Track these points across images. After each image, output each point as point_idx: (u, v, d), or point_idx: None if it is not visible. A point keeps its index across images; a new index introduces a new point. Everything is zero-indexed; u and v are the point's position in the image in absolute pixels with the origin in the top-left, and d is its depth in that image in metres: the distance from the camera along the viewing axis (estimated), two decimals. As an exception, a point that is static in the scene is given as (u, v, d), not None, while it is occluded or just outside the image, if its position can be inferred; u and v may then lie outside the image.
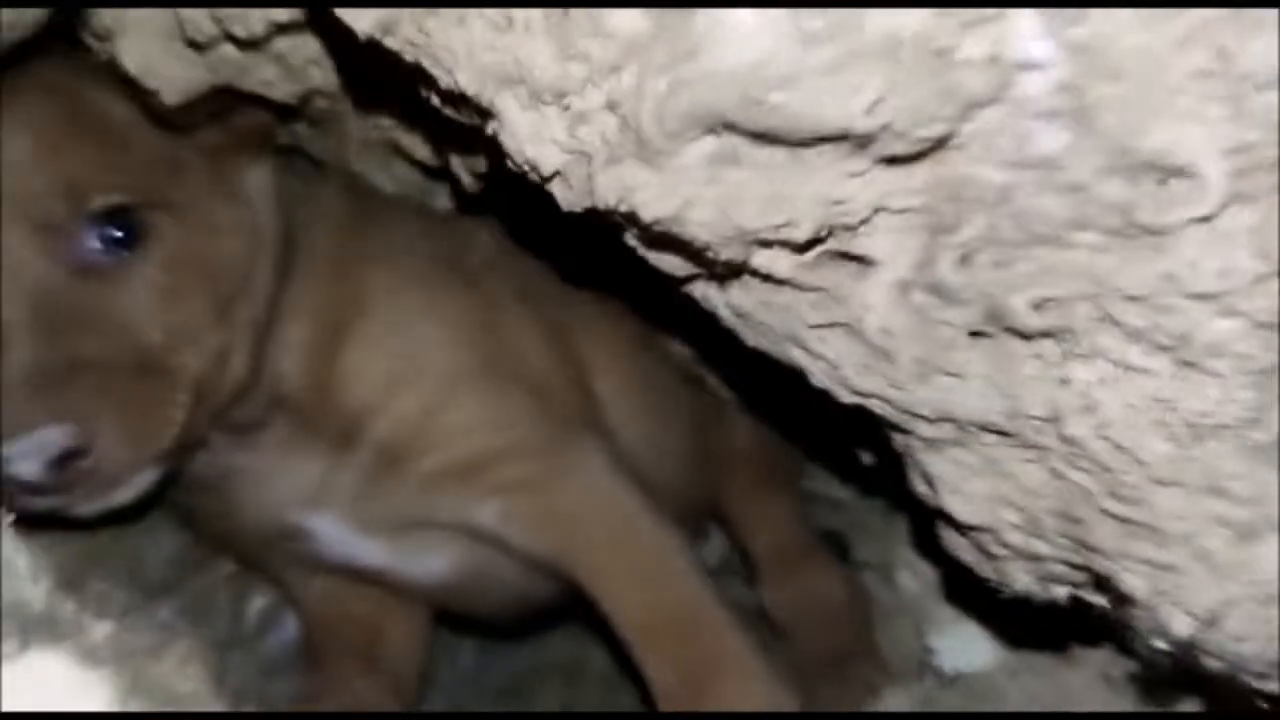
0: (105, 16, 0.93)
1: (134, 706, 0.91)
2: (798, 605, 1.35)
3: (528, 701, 1.54)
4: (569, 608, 1.36)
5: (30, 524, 0.99)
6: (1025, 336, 0.70)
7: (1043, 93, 0.65)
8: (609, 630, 1.11)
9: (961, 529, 0.78)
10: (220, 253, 1.05)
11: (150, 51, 0.95)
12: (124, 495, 0.99)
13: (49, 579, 0.93)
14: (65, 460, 0.93)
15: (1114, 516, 0.70)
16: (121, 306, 0.99)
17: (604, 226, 0.81)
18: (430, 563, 1.19)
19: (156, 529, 1.30)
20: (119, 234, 0.99)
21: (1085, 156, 0.64)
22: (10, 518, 0.91)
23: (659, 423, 1.30)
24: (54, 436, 0.91)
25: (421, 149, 1.11)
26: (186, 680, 0.94)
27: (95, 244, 0.98)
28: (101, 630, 0.94)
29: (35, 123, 0.98)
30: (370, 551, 1.17)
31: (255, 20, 0.88)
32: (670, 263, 0.78)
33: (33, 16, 0.89)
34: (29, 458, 0.91)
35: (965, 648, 1.19)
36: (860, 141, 0.65)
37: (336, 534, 1.16)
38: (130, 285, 0.99)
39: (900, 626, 1.33)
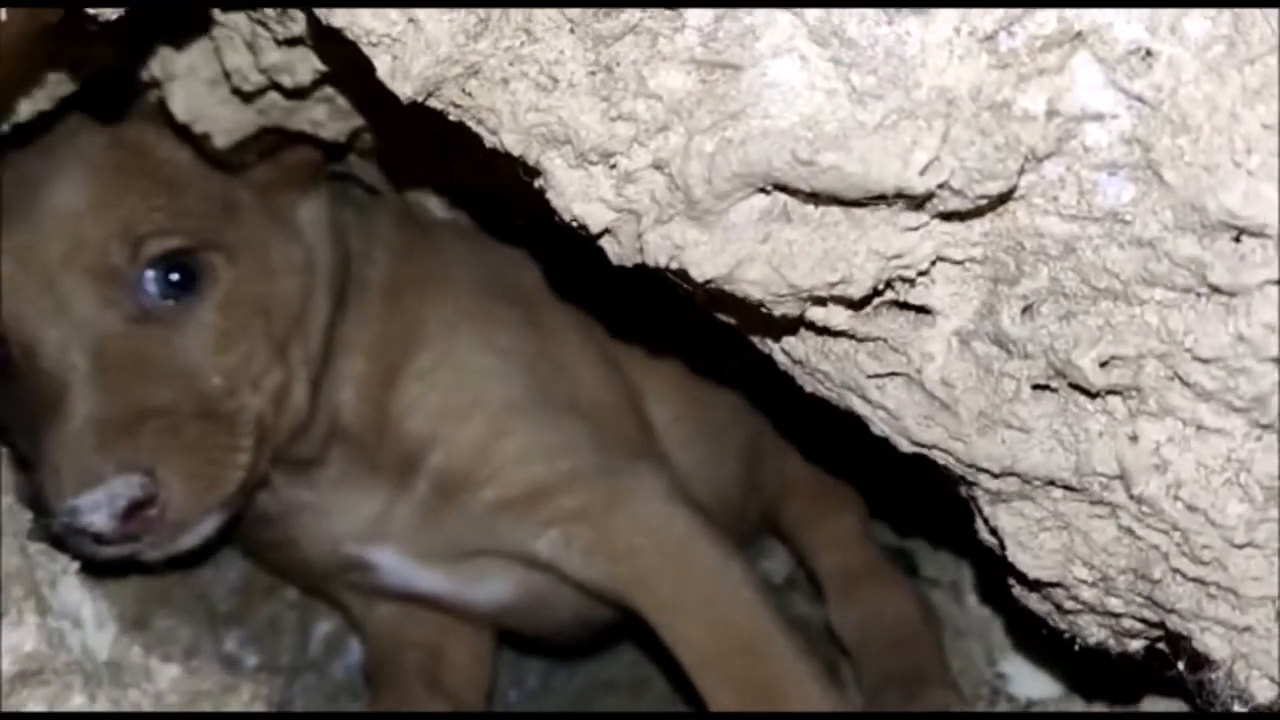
0: (154, 66, 0.93)
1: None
2: (866, 625, 1.32)
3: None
4: (630, 627, 1.36)
5: (97, 569, 1.01)
6: (1091, 393, 0.67)
7: (1106, 144, 0.62)
8: (667, 657, 1.10)
9: (1032, 584, 0.76)
10: (276, 291, 1.05)
11: (198, 97, 0.95)
12: (191, 540, 1.01)
13: (115, 625, 0.95)
14: (133, 510, 0.94)
15: (1189, 577, 0.67)
16: (181, 351, 0.99)
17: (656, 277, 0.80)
18: (490, 589, 1.19)
19: (222, 560, 1.32)
20: (176, 278, 0.99)
21: (1154, 211, 0.61)
22: (75, 566, 0.92)
23: (714, 447, 1.29)
24: (122, 488, 0.93)
25: (474, 188, 1.10)
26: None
27: (153, 289, 0.99)
28: (168, 675, 0.96)
29: (93, 168, 1.00)
30: (430, 580, 1.18)
31: (302, 71, 0.88)
32: (724, 317, 0.77)
33: (85, 73, 0.90)
34: (99, 509, 0.93)
35: (1037, 674, 1.17)
36: (917, 201, 0.63)
37: (397, 565, 1.16)
38: (189, 330, 1.00)
39: (971, 648, 1.30)
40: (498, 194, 1.14)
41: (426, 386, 1.11)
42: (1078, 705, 1.08)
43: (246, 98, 0.93)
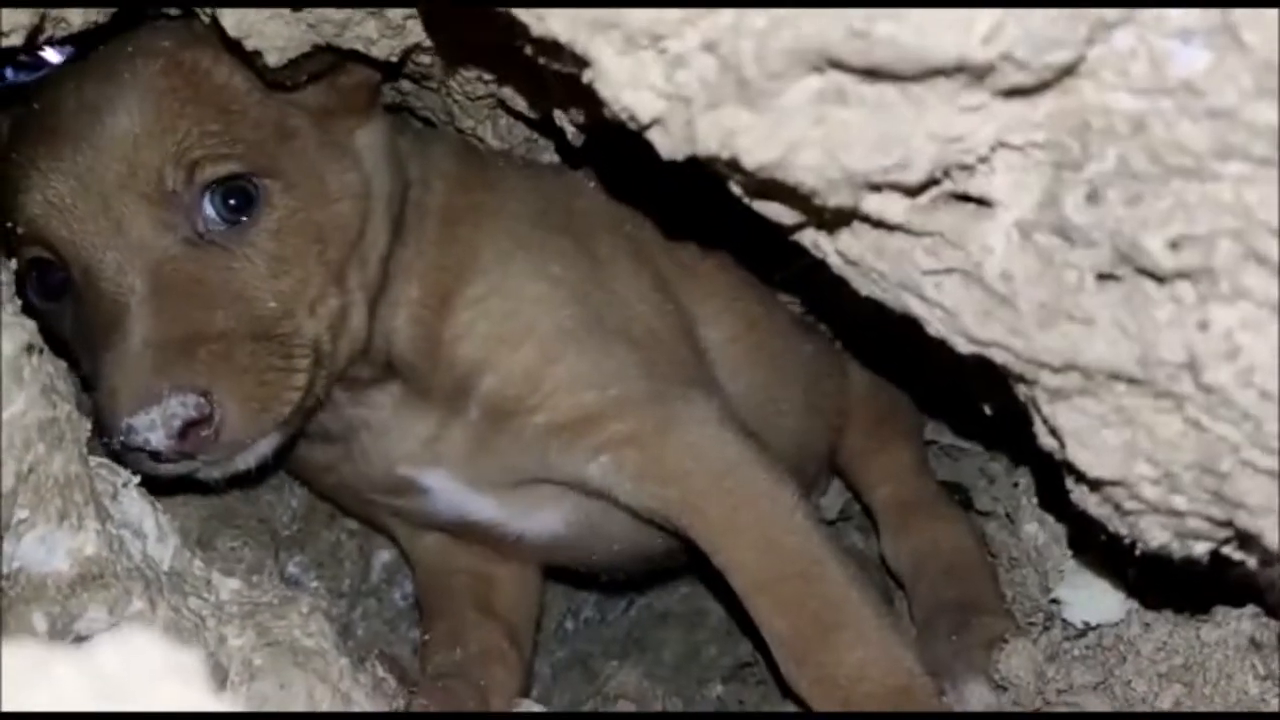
0: (205, -22, 0.93)
1: (261, 659, 0.93)
2: (919, 557, 1.31)
3: (649, 650, 1.54)
4: (685, 558, 1.36)
5: (159, 487, 1.02)
6: (1160, 278, 0.65)
7: (1179, 8, 0.59)
8: (721, 584, 1.10)
9: (1092, 484, 0.74)
10: (332, 217, 1.05)
11: (249, 12, 0.95)
12: (247, 460, 1.02)
13: (176, 539, 0.96)
14: (189, 429, 0.95)
15: (1260, 469, 0.65)
16: (237, 276, 1.00)
17: (708, 176, 0.78)
18: (542, 518, 1.19)
19: (284, 486, 1.33)
20: (232, 203, 1.00)
21: (1230, 78, 0.58)
22: (136, 479, 0.94)
23: (771, 372, 1.27)
24: (177, 408, 0.94)
25: (524, 102, 1.09)
26: (310, 636, 0.96)
27: (210, 214, 1.00)
28: (229, 587, 0.97)
29: (150, 93, 1.00)
30: (482, 507, 1.18)
31: (351, -24, 0.87)
32: (776, 210, 0.75)
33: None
34: (155, 428, 0.94)
35: (1095, 599, 1.15)
36: (977, 73, 0.61)
37: (449, 489, 1.17)
38: (245, 254, 1.01)
39: (1025, 577, 1.28)
40: (549, 118, 1.13)
41: (479, 313, 1.11)
42: (1135, 628, 1.06)
43: (297, 6, 0.92)
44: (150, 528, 0.94)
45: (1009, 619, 1.20)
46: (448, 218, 1.14)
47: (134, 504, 0.93)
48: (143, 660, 0.37)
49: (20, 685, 0.36)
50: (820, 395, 1.36)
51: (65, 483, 0.81)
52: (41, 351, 0.82)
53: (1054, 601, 1.15)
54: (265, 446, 1.03)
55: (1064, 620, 1.14)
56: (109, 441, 0.97)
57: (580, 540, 1.22)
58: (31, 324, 0.81)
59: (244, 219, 1.01)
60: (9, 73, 1.21)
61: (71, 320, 1.03)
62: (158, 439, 0.95)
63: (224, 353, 0.97)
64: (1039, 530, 1.22)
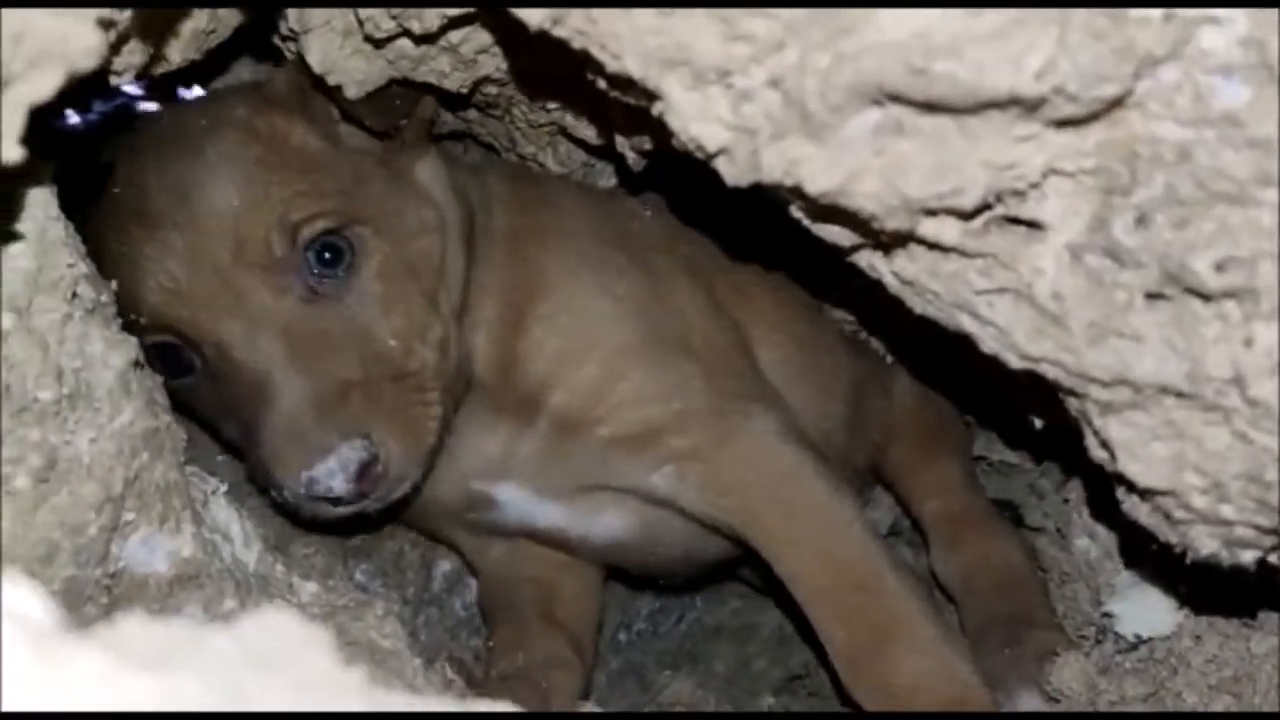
0: (291, 19, 0.98)
1: (345, 659, 0.98)
2: (969, 571, 1.32)
3: (701, 662, 1.57)
4: (740, 564, 1.39)
5: (240, 494, 1.08)
6: (1206, 297, 0.68)
7: (1223, 46, 0.63)
8: (780, 591, 1.13)
9: (1142, 493, 0.77)
10: (418, 250, 1.11)
11: (332, 49, 1.00)
12: (404, 490, 1.08)
13: (260, 544, 1.01)
14: (363, 471, 1.01)
15: (1305, 480, 0.68)
16: (357, 322, 1.06)
17: (766, 200, 0.82)
18: (606, 522, 1.23)
19: (349, 498, 1.38)
20: (328, 256, 1.05)
21: (1268, 111, 0.62)
22: (224, 487, 0.99)
23: (818, 390, 1.30)
24: (350, 453, 1.01)
25: (586, 130, 1.14)
26: (385, 637, 1.00)
27: (315, 270, 1.05)
28: (308, 590, 1.02)
29: (239, 165, 1.04)
30: (549, 514, 1.22)
31: (430, 16, 0.92)
32: (835, 234, 0.79)
33: (233, 19, 0.95)
34: (335, 476, 1.01)
35: (1146, 612, 1.16)
36: (1030, 105, 0.65)
37: (519, 500, 1.21)
38: (356, 301, 1.06)
39: (1077, 592, 1.29)
40: (609, 145, 1.18)
41: (548, 330, 1.15)
42: (1186, 641, 1.08)
43: (378, 44, 0.97)
44: (237, 532, 0.99)
45: (1060, 632, 1.22)
46: (514, 238, 1.19)
47: (222, 510, 0.99)
48: (284, 634, 0.41)
49: (177, 659, 0.40)
50: (866, 412, 1.39)
51: (166, 489, 0.87)
52: (143, 366, 0.87)
53: (1106, 615, 1.17)
54: (419, 474, 1.08)
55: (1116, 634, 1.16)
56: (281, 495, 1.05)
57: (641, 544, 1.26)
58: (134, 339, 0.86)
59: (346, 269, 1.05)
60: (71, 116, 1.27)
61: (208, 393, 1.08)
62: (339, 485, 1.01)
63: (372, 396, 1.03)
64: (1090, 545, 1.24)
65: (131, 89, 1.23)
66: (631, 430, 1.14)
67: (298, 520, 1.18)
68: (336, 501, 1.03)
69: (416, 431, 1.05)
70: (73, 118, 1.31)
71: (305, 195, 1.05)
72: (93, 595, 0.82)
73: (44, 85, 0.56)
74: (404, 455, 1.04)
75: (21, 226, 0.75)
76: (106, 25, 0.60)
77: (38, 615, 0.40)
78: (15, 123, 0.55)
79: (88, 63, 0.57)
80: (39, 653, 0.37)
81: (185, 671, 0.40)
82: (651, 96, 0.74)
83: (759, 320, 1.28)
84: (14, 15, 0.52)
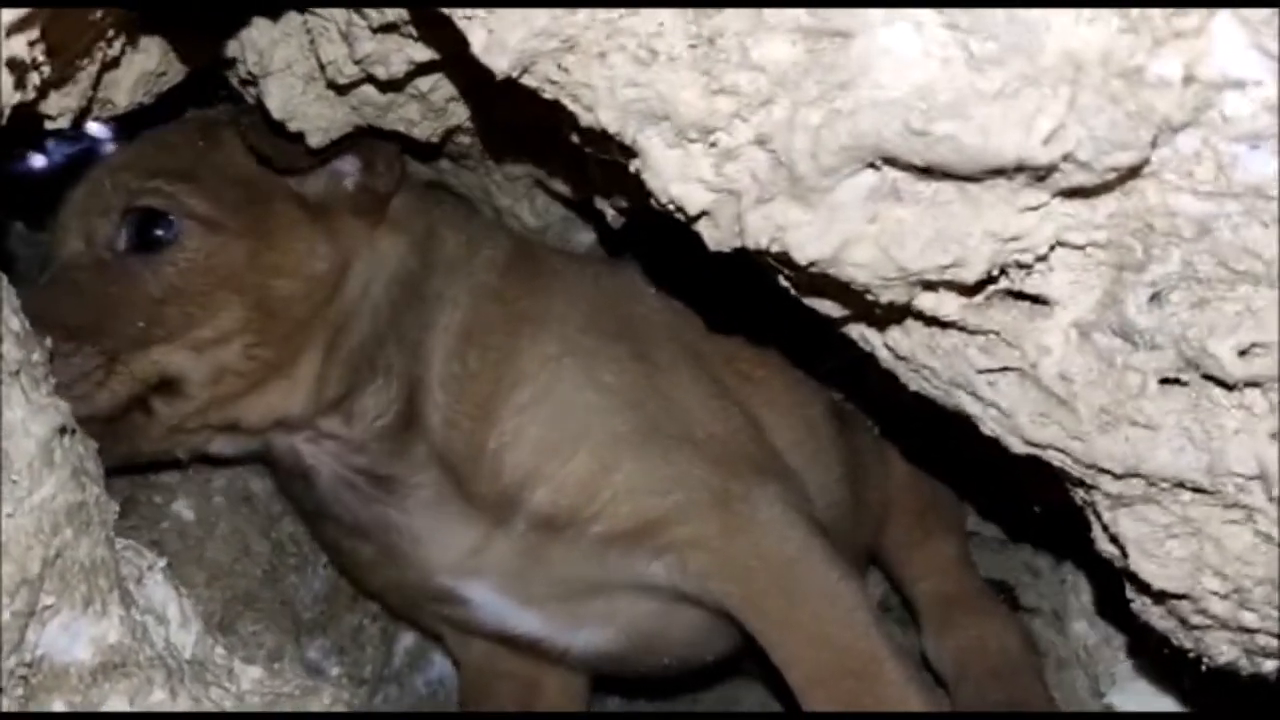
0: (250, 62, 0.93)
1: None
2: (963, 655, 1.27)
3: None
4: (731, 666, 1.33)
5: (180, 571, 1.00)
6: (1228, 385, 0.62)
7: (1249, 113, 0.58)
8: (775, 679, 1.07)
9: (1156, 596, 0.71)
10: (267, 286, 1.08)
11: (293, 95, 0.95)
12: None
13: (199, 624, 0.94)
14: None
15: (1338, 588, 0.62)
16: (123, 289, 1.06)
17: (752, 266, 0.77)
18: (588, 634, 1.17)
19: (307, 567, 1.31)
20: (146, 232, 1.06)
21: (1301, 184, 0.56)
22: (162, 563, 0.92)
23: (826, 472, 1.25)
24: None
25: (564, 184, 1.08)
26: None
27: (123, 233, 1.07)
28: (250, 676, 0.94)
29: (153, 138, 1.08)
30: (526, 621, 1.16)
31: (396, 61, 0.86)
32: (826, 305, 0.73)
33: (182, 66, 0.90)
34: None
35: (1147, 703, 1.11)
36: (1038, 173, 0.59)
37: (492, 601, 1.15)
38: (149, 277, 1.06)
39: (1074, 679, 1.24)
40: (589, 200, 1.12)
41: (525, 421, 1.09)
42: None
43: (341, 90, 0.92)
44: (174, 613, 0.92)
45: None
46: (471, 332, 1.12)
47: (159, 588, 0.91)
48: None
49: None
50: (866, 490, 1.33)
51: (91, 568, 0.79)
52: (74, 433, 0.81)
53: (1106, 706, 1.11)
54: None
55: (1115, 727, 1.10)
56: None
57: (629, 653, 1.20)
58: (65, 406, 0.80)
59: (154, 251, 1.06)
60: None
61: None
62: None
63: (73, 337, 1.01)
64: (1088, 630, 1.19)
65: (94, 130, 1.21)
66: (628, 525, 1.08)
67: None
68: None
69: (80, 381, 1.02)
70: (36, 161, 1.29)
71: (163, 176, 1.06)
72: (5, 687, 0.75)
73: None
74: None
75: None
76: (15, 66, 0.54)
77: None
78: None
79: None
80: None
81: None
82: (629, 153, 0.69)
83: (768, 405, 1.22)
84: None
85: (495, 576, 1.12)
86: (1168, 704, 1.06)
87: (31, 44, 0.54)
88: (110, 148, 1.22)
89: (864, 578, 1.38)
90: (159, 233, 1.06)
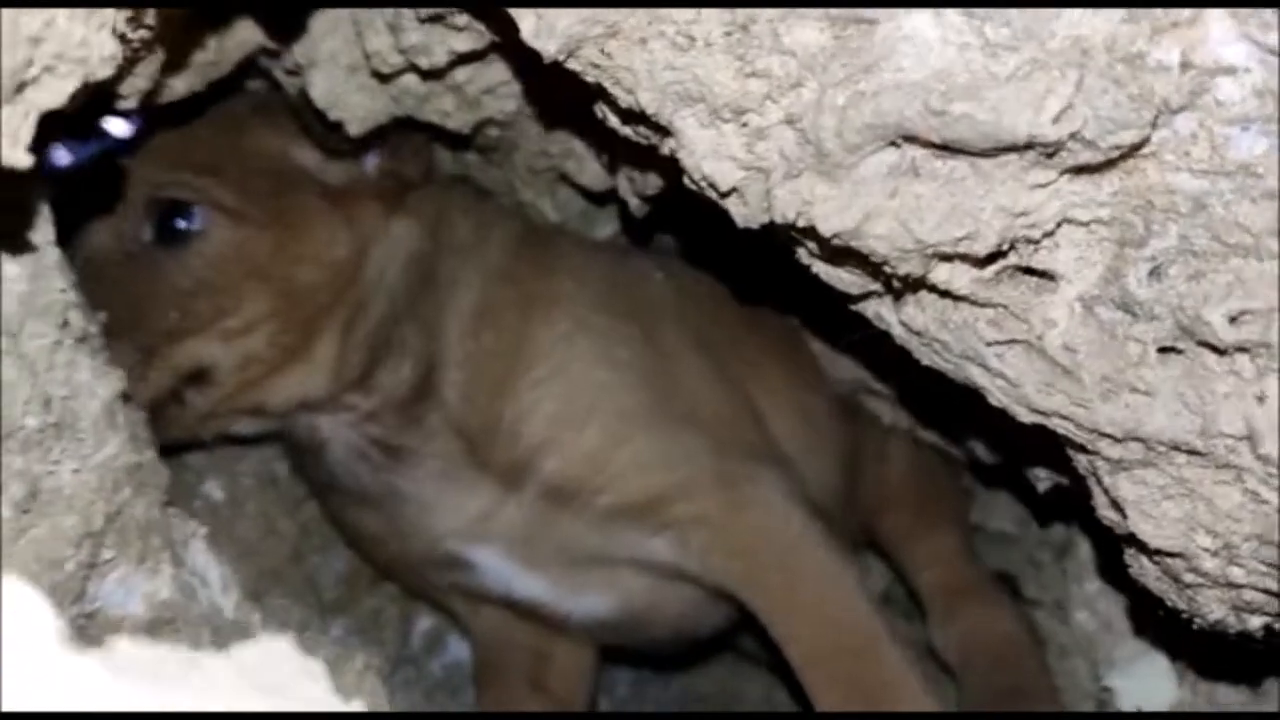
0: (297, 52, 0.98)
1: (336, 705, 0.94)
2: (968, 644, 1.30)
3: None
4: (724, 642, 1.36)
5: (219, 541, 1.04)
6: (1220, 351, 0.67)
7: (1239, 98, 0.63)
8: (775, 657, 1.10)
9: (1152, 554, 0.75)
10: (291, 274, 1.11)
11: (337, 84, 1.00)
12: None
13: (239, 591, 0.98)
14: None
15: (1320, 541, 0.67)
16: (154, 282, 1.08)
17: (774, 246, 0.81)
18: (590, 602, 1.20)
19: (330, 549, 1.35)
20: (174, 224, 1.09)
21: (1288, 161, 0.61)
22: (204, 530, 0.96)
23: (820, 463, 1.29)
24: None
25: (586, 175, 1.13)
26: (364, 694, 0.96)
27: (148, 226, 1.09)
28: (286, 640, 0.98)
29: (178, 130, 1.08)
30: (529, 586, 1.19)
31: (438, 51, 0.92)
32: (845, 279, 0.78)
33: (236, 53, 0.95)
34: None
35: (1146, 686, 1.14)
36: (1047, 151, 0.64)
37: (499, 566, 1.18)
38: (175, 269, 1.08)
39: (1075, 666, 1.27)
40: (612, 193, 1.17)
41: (541, 394, 1.13)
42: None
43: (384, 80, 0.97)
44: (215, 578, 0.96)
45: (1061, 707, 1.20)
46: (485, 312, 1.16)
47: (201, 554, 0.95)
48: (282, 662, 0.39)
49: (175, 681, 0.38)
50: (859, 483, 1.37)
51: (146, 527, 0.83)
52: (130, 400, 0.85)
53: (1105, 689, 1.15)
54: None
55: (1116, 709, 1.14)
56: None
57: (626, 624, 1.23)
58: (120, 372, 0.84)
59: (181, 242, 1.08)
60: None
61: None
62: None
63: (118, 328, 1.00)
64: (1089, 618, 1.22)
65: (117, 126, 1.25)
66: (634, 499, 1.12)
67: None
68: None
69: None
70: (62, 158, 1.31)
71: (191, 169, 1.08)
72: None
73: (59, 90, 0.55)
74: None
75: (17, 247, 0.73)
76: (122, 38, 0.59)
77: (40, 624, 0.38)
78: (26, 126, 0.54)
79: (104, 71, 0.56)
80: (40, 662, 0.35)
81: (183, 691, 0.38)
82: (664, 133, 0.74)
83: (769, 393, 1.26)
84: (32, 16, 0.51)
85: (503, 542, 1.15)
86: (1165, 682, 1.10)
87: (129, 20, 0.59)
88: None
89: (862, 562, 1.43)
90: (185, 225, 1.08)
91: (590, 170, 1.12)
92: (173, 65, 0.85)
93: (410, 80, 0.97)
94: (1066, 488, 0.95)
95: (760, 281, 1.14)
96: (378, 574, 1.35)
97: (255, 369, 1.12)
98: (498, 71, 0.98)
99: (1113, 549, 0.84)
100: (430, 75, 0.97)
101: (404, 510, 1.18)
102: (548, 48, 0.70)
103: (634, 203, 1.04)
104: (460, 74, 0.98)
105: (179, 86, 0.90)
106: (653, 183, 0.97)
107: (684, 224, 1.01)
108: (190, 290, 1.08)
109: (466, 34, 0.90)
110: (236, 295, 1.09)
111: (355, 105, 1.00)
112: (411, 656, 1.41)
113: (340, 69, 0.98)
